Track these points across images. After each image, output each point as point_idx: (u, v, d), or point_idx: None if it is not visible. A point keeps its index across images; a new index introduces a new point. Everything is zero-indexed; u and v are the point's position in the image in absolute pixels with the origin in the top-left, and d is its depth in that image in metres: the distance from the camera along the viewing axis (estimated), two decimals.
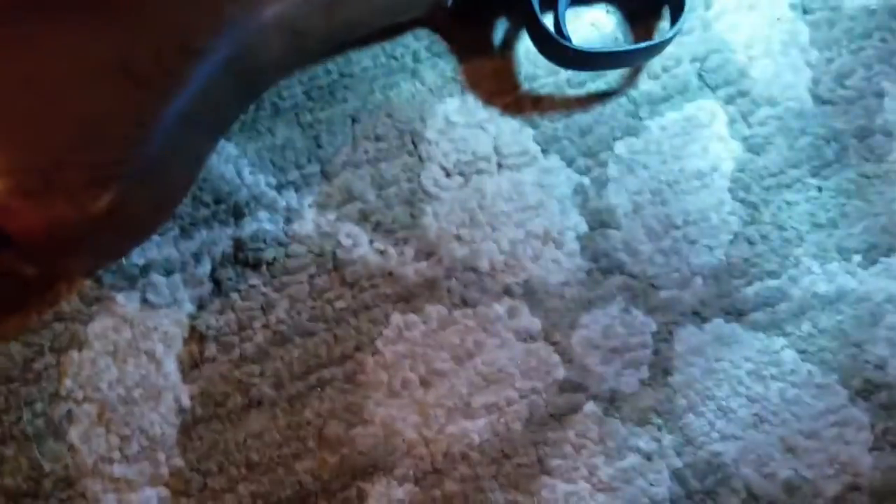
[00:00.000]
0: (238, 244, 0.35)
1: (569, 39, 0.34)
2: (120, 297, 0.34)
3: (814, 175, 0.37)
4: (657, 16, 0.38)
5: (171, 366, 0.34)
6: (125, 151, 0.29)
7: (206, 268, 0.35)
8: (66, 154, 0.28)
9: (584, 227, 0.36)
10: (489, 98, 0.37)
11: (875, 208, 0.36)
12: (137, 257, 0.35)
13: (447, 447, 0.33)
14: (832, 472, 0.34)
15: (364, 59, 0.37)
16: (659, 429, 0.34)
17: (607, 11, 0.38)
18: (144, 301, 0.34)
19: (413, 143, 0.36)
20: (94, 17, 0.30)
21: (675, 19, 0.35)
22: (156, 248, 0.35)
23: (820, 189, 0.37)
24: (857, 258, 0.36)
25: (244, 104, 0.34)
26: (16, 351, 0.33)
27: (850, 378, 0.35)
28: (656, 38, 0.35)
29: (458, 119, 0.37)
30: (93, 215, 0.29)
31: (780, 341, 0.35)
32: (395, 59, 0.37)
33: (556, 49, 0.34)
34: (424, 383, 0.34)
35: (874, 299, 0.36)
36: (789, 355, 0.35)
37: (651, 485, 0.34)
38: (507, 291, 0.35)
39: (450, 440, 0.33)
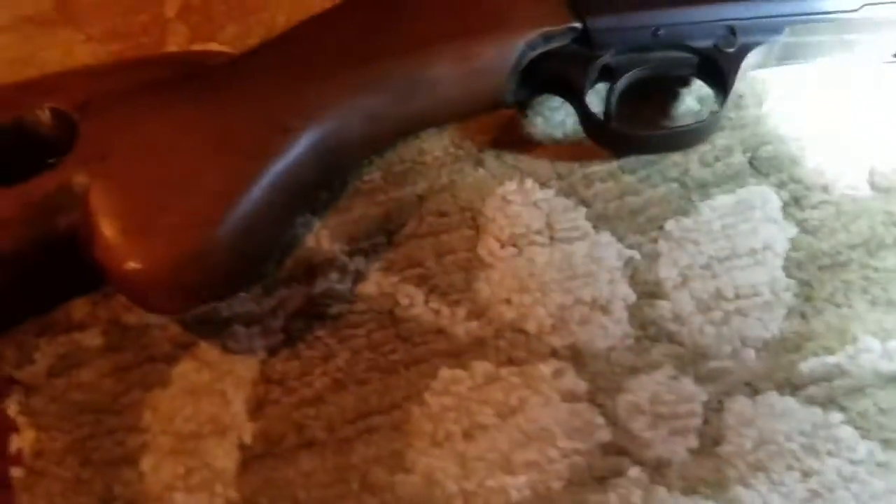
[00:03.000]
0: (309, 300, 0.39)
1: (614, 121, 0.37)
2: (203, 344, 0.38)
3: (871, 256, 0.37)
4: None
5: (239, 405, 0.37)
6: (218, 206, 0.34)
7: (280, 321, 0.38)
8: (168, 201, 0.34)
9: (632, 297, 0.37)
10: (545, 182, 0.40)
11: None
12: (224, 311, 0.39)
13: (485, 502, 0.34)
14: None
15: (435, 149, 0.42)
16: (707, 499, 0.33)
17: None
18: (224, 347, 0.38)
19: (472, 218, 0.40)
20: (204, 96, 0.37)
21: (721, 103, 0.38)
22: (239, 304, 0.39)
23: (876, 269, 0.36)
24: None
25: (323, 180, 0.39)
26: (108, 385, 0.38)
27: None
28: (696, 122, 0.38)
29: (514, 198, 0.40)
30: (186, 254, 0.34)
31: (838, 416, 0.34)
32: (462, 149, 0.42)
33: (602, 130, 0.38)
34: (467, 436, 0.35)
35: None
36: (847, 431, 0.33)
37: None
38: (554, 353, 0.36)
39: (488, 494, 0.34)
